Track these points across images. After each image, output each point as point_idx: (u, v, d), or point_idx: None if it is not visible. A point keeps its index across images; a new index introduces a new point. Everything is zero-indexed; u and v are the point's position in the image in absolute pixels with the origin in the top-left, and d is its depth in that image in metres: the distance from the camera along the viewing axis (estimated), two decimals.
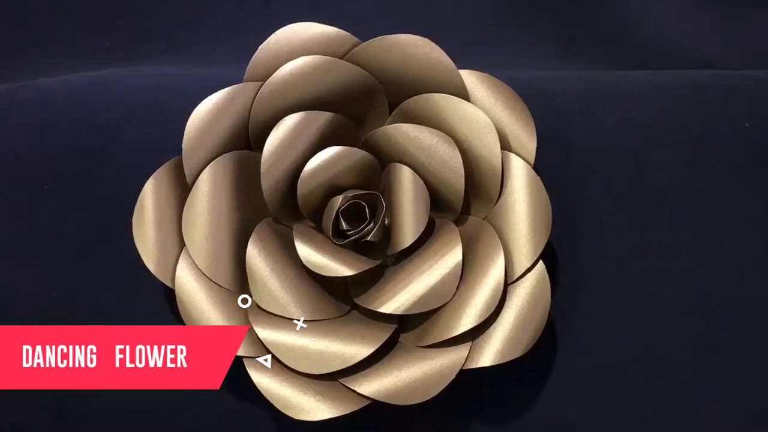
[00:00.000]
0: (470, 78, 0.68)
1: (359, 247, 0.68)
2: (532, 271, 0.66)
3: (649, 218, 0.69)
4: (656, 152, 0.71)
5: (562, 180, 0.70)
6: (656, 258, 0.68)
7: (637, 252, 0.69)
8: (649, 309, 0.68)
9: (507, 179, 0.67)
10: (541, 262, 0.66)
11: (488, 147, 0.67)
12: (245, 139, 0.68)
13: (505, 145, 0.68)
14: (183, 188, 0.67)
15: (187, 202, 0.67)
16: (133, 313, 0.69)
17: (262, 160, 0.67)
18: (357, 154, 0.67)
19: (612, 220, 0.70)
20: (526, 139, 0.68)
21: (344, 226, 0.67)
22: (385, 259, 0.68)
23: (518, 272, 0.66)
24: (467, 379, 0.64)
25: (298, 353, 0.64)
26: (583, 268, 0.69)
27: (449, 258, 0.65)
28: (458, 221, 0.68)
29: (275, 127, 0.67)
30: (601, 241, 0.69)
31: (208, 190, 0.67)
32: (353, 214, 0.67)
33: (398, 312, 0.65)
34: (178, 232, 0.67)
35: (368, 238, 0.67)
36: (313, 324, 0.66)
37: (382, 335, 0.65)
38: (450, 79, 0.68)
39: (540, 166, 0.67)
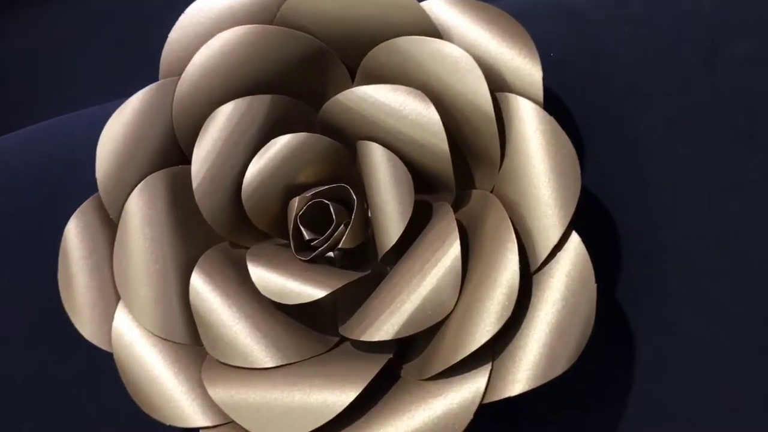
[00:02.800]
0: (442, 7, 0.40)
1: (349, 258, 0.41)
2: (564, 250, 0.36)
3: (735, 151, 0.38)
4: (732, 48, 0.39)
5: (584, 122, 0.40)
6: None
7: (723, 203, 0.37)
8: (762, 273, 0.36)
9: (510, 129, 0.38)
10: (574, 234, 0.36)
11: (473, 90, 0.37)
12: (176, 151, 0.42)
13: (501, 85, 0.38)
14: (113, 227, 0.42)
15: (115, 243, 0.41)
16: (92, 391, 0.44)
17: (193, 171, 0.41)
18: (310, 140, 0.40)
19: (669, 161, 0.38)
20: (528, 70, 0.38)
21: (306, 235, 0.40)
22: (380, 268, 0.40)
23: (543, 254, 0.36)
24: (497, 410, 0.34)
25: (266, 414, 0.37)
26: (638, 231, 0.38)
27: (445, 254, 0.37)
28: (460, 199, 0.40)
29: (203, 126, 0.41)
30: (658, 193, 0.38)
31: (139, 223, 0.41)
32: (323, 218, 0.40)
33: (385, 338, 0.37)
34: (113, 281, 0.41)
35: (340, 246, 0.39)
36: (290, 368, 0.39)
37: (370, 371, 0.36)
38: (410, 14, 0.39)
39: (556, 106, 0.37)
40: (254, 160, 0.40)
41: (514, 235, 0.35)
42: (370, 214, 0.39)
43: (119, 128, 0.41)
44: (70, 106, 0.59)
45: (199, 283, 0.39)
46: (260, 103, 0.40)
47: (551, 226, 0.35)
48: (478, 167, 0.38)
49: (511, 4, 0.43)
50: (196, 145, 0.40)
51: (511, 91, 0.38)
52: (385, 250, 0.38)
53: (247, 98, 0.40)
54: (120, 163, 0.41)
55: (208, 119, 0.40)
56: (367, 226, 0.40)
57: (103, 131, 0.41)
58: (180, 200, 0.41)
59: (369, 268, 0.40)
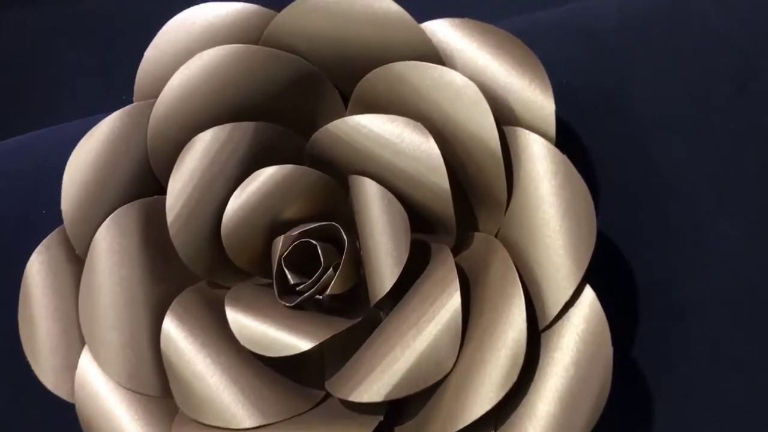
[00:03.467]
0: (445, 30, 0.35)
1: (339, 300, 0.36)
2: (576, 306, 0.31)
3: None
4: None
5: (601, 155, 0.35)
6: None
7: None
8: None
9: (519, 168, 0.33)
10: (588, 288, 0.31)
11: (477, 123, 0.33)
12: (151, 181, 0.38)
13: (509, 117, 0.34)
14: (80, 263, 0.38)
15: (81, 282, 0.37)
16: None
17: (167, 205, 0.36)
18: (297, 172, 0.36)
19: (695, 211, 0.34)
20: (539, 102, 0.34)
21: (290, 279, 0.36)
22: (372, 314, 0.36)
23: (553, 310, 0.32)
24: None
25: None
26: (653, 286, 0.34)
27: (444, 306, 0.32)
28: (462, 242, 0.35)
29: (180, 155, 0.37)
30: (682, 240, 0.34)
31: (108, 260, 0.37)
32: (310, 259, 0.36)
33: (375, 399, 0.32)
34: (78, 324, 0.37)
35: (328, 291, 0.35)
36: (270, 429, 0.34)
37: None
38: (409, 36, 0.35)
39: (568, 140, 0.33)
40: (235, 193, 0.35)
41: (521, 288, 0.31)
42: (362, 254, 0.35)
43: (88, 155, 0.37)
44: (57, 113, 0.55)
45: (171, 328, 0.35)
46: (243, 131, 0.36)
47: (563, 279, 0.31)
48: (482, 208, 0.34)
49: (518, 22, 0.38)
50: (171, 176, 0.36)
51: (520, 124, 0.33)
52: (378, 298, 0.34)
53: (229, 125, 0.36)
54: (88, 194, 0.37)
55: (185, 148, 0.36)
56: (359, 268, 0.36)
57: (70, 158, 0.37)
58: (154, 235, 0.37)
59: (360, 312, 0.36)
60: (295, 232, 0.35)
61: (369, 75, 0.35)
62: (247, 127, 0.36)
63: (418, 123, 0.34)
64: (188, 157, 0.36)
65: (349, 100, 0.37)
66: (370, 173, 0.35)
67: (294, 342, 0.34)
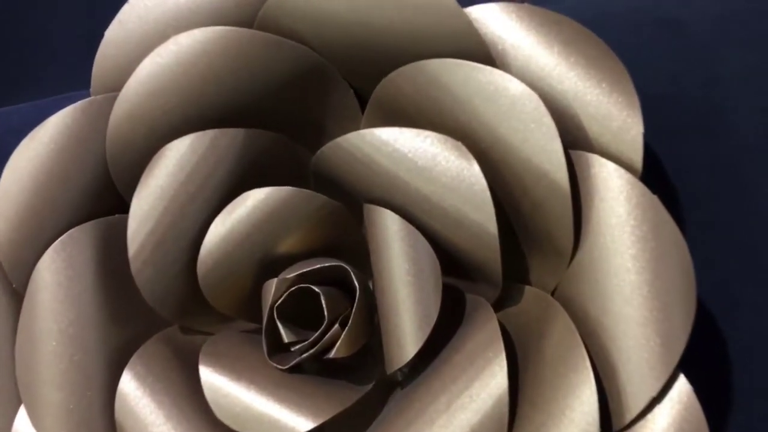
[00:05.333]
0: (496, 18, 0.26)
1: (343, 359, 0.27)
2: (667, 401, 0.22)
3: None
4: None
5: (688, 188, 0.26)
6: None
7: None
8: None
9: (591, 208, 0.24)
10: (683, 380, 0.22)
11: (539, 147, 0.24)
12: (110, 195, 0.28)
13: (579, 140, 0.25)
14: (18, 299, 0.28)
15: (19, 325, 0.28)
16: None
17: (130, 232, 0.27)
18: (298, 197, 0.27)
19: None
20: (621, 121, 0.24)
21: (285, 336, 0.27)
22: (391, 378, 0.27)
23: (633, 407, 0.23)
24: None
25: None
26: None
27: (485, 388, 0.23)
28: (506, 297, 0.26)
29: (148, 167, 0.27)
30: None
31: (53, 297, 0.28)
32: (309, 308, 0.27)
33: None
34: (13, 379, 0.28)
35: (332, 355, 0.26)
36: None
37: None
38: (449, 25, 0.25)
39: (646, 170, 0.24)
40: (217, 220, 0.26)
41: (591, 376, 0.22)
42: (377, 302, 0.26)
43: (30, 162, 0.28)
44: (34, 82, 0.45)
45: (130, 389, 0.26)
46: (230, 139, 0.26)
47: (648, 366, 0.22)
48: (537, 257, 0.25)
49: (581, 5, 0.29)
50: (135, 194, 0.27)
51: (594, 150, 0.24)
52: (396, 367, 0.25)
53: (211, 132, 0.26)
54: (29, 211, 0.28)
55: (154, 158, 0.27)
56: (372, 319, 0.27)
57: (7, 164, 0.28)
58: (112, 265, 0.28)
59: (370, 375, 0.27)
60: (292, 274, 0.26)
61: (394, 74, 0.26)
62: (234, 134, 0.26)
63: (458, 142, 0.24)
64: (158, 170, 0.27)
65: (367, 104, 0.27)
66: (392, 203, 0.26)
67: (287, 421, 0.25)
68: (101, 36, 0.29)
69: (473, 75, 0.25)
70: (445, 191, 0.25)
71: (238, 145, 0.27)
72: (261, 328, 0.28)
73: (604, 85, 0.25)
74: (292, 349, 0.26)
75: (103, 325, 0.28)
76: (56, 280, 0.28)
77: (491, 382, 0.23)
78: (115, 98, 0.28)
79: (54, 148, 0.28)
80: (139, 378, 0.27)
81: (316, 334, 0.26)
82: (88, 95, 0.29)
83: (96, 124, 0.28)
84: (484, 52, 0.25)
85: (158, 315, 0.28)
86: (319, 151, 0.27)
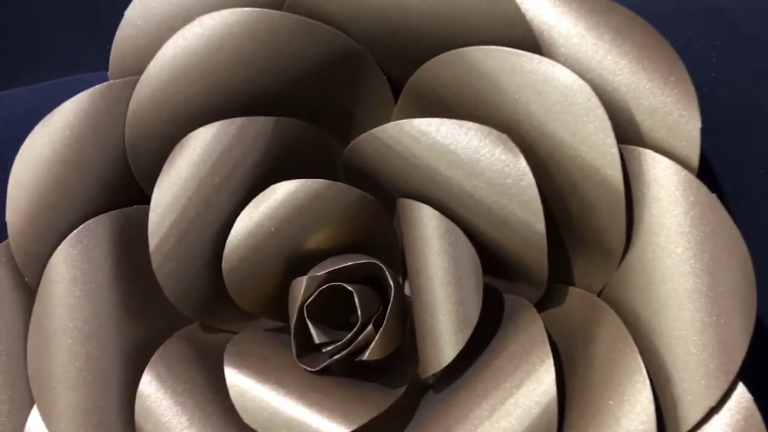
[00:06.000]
0: (543, 3, 0.24)
1: (372, 366, 0.26)
2: (725, 411, 0.21)
3: None
4: None
5: (742, 191, 0.25)
6: None
7: None
8: None
9: (643, 206, 0.23)
10: (742, 388, 0.21)
11: (591, 143, 0.22)
12: (129, 185, 0.27)
13: (631, 134, 0.23)
14: (31, 293, 0.27)
15: (31, 321, 0.26)
16: None
17: (151, 225, 0.25)
18: (331, 190, 0.25)
19: None
20: (676, 114, 0.23)
21: (316, 337, 0.25)
22: (420, 381, 0.25)
23: (689, 417, 0.21)
24: None
25: None
26: None
27: (530, 391, 0.22)
28: (548, 298, 0.25)
29: (170, 157, 0.25)
30: None
31: (67, 293, 0.26)
32: (344, 304, 0.25)
33: None
34: (26, 378, 0.26)
35: (366, 357, 0.24)
36: None
37: None
38: (493, 10, 0.24)
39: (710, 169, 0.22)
40: (244, 213, 0.25)
41: (647, 382, 0.20)
42: (412, 302, 0.24)
43: (44, 149, 0.26)
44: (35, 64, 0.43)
45: (150, 391, 0.25)
46: (259, 128, 0.25)
47: (705, 374, 0.21)
48: (583, 256, 0.24)
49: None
50: (157, 185, 0.25)
51: (646, 145, 0.23)
52: (432, 371, 0.23)
53: (239, 120, 0.25)
54: (43, 202, 0.26)
55: (177, 146, 0.25)
56: (405, 319, 0.25)
57: (20, 151, 0.26)
58: (131, 259, 0.26)
59: (401, 375, 0.25)
60: (323, 271, 0.24)
61: (432, 61, 0.25)
62: (264, 123, 0.25)
63: (504, 135, 0.23)
64: (181, 159, 0.25)
65: (401, 93, 0.26)
66: (430, 199, 0.24)
67: (319, 426, 0.23)
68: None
69: (520, 64, 0.23)
70: (490, 187, 0.23)
71: (268, 135, 0.25)
72: (285, 327, 0.26)
73: (658, 77, 0.23)
74: (324, 350, 0.25)
75: (120, 321, 0.26)
76: (71, 274, 0.26)
77: (538, 389, 0.22)
78: (135, 82, 0.26)
79: (70, 134, 0.26)
80: (160, 379, 0.25)
81: (350, 335, 0.24)
82: (102, 78, 0.27)
83: (115, 110, 0.26)
84: (530, 40, 0.24)
85: (178, 312, 0.26)
86: (353, 142, 0.25)
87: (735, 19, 0.27)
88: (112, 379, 0.26)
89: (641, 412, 0.21)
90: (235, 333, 0.27)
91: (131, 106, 0.26)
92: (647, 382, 0.21)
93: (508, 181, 0.23)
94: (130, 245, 0.26)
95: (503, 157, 0.23)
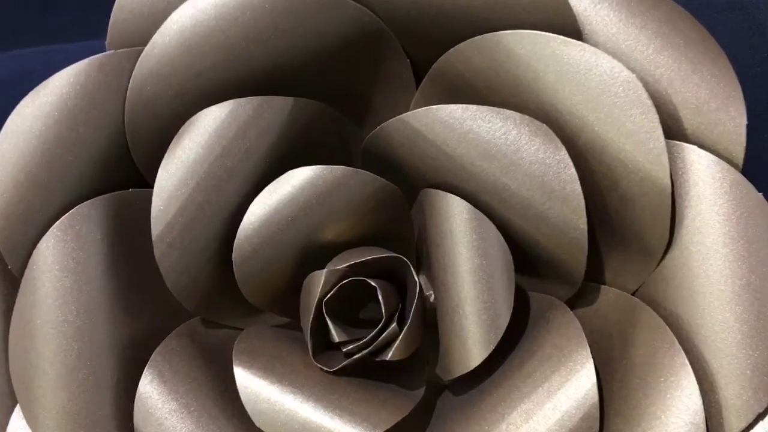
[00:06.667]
0: None
1: (389, 366, 0.24)
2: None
3: None
4: None
5: None
6: None
7: None
8: None
9: (685, 204, 0.22)
10: None
11: (638, 139, 0.21)
12: (126, 167, 0.24)
13: (673, 129, 0.22)
14: (14, 283, 0.24)
15: (14, 314, 0.23)
16: None
17: (154, 210, 0.23)
18: (354, 178, 0.23)
19: None
20: (721, 111, 0.22)
21: (335, 335, 0.23)
22: (436, 381, 0.24)
23: (739, 422, 0.20)
24: None
25: None
26: None
27: (570, 395, 0.21)
28: (578, 297, 0.23)
29: (177, 136, 0.23)
30: None
31: (55, 284, 0.23)
32: (357, 299, 0.23)
33: None
34: (8, 377, 0.24)
35: (389, 357, 0.22)
36: None
37: None
38: None
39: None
40: (259, 200, 0.23)
41: (694, 382, 0.19)
42: (435, 300, 0.23)
43: (33, 125, 0.23)
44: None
45: (152, 392, 0.22)
46: (277, 108, 0.23)
47: (754, 379, 0.20)
48: (618, 255, 0.22)
49: None
50: (162, 167, 0.23)
51: (690, 140, 0.22)
52: (458, 374, 0.22)
53: (256, 99, 0.23)
54: (31, 183, 0.23)
55: (186, 125, 0.23)
56: (425, 319, 0.24)
57: (5, 125, 0.23)
58: (127, 246, 0.24)
59: (418, 378, 0.23)
60: (343, 264, 0.22)
61: (463, 44, 0.23)
62: (282, 103, 0.23)
63: (544, 125, 0.21)
64: (189, 140, 0.23)
65: (425, 77, 0.24)
66: (461, 190, 0.23)
67: (341, 431, 0.21)
68: None
69: (562, 51, 0.22)
70: (528, 180, 0.22)
71: (285, 117, 0.23)
72: (292, 323, 0.24)
73: (702, 70, 0.22)
74: (344, 349, 0.23)
75: (114, 315, 0.24)
76: (61, 262, 0.23)
77: (578, 393, 0.21)
78: (138, 54, 0.23)
79: (63, 108, 0.23)
80: (162, 378, 0.23)
81: (372, 333, 0.23)
82: (93, 48, 0.25)
83: (114, 83, 0.24)
84: (572, 26, 0.22)
85: (177, 306, 0.24)
86: (379, 127, 0.23)
87: (751, 12, 0.26)
88: (105, 377, 0.23)
89: (689, 418, 0.20)
90: (238, 329, 0.25)
91: (133, 79, 0.23)
92: (696, 386, 0.20)
93: (549, 174, 0.22)
94: (126, 232, 0.24)
95: (543, 148, 0.22)
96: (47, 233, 0.23)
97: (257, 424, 0.22)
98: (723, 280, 0.21)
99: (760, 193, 0.21)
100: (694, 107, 0.22)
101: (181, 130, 0.23)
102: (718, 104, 0.22)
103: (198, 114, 0.23)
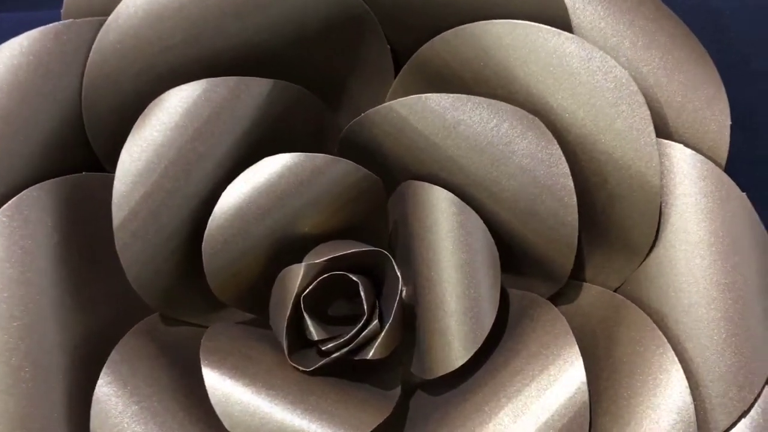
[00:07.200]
0: None
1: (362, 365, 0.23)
2: (753, 413, 0.20)
3: None
4: None
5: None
6: None
7: None
8: None
9: (671, 202, 0.22)
10: None
11: (631, 137, 0.21)
12: (81, 149, 0.21)
13: (660, 129, 0.22)
14: None
15: None
16: None
17: (114, 197, 0.21)
18: (335, 168, 0.21)
19: None
20: (704, 110, 0.22)
21: (314, 333, 0.21)
22: (406, 381, 0.23)
23: (724, 420, 0.20)
24: None
25: None
26: None
27: (561, 394, 0.20)
28: (560, 295, 0.23)
29: (141, 117, 0.21)
30: None
31: (1, 277, 0.20)
32: (328, 295, 0.22)
33: None
34: None
35: (370, 356, 0.21)
36: None
37: None
38: None
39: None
40: (233, 187, 0.21)
41: (681, 374, 0.19)
42: (416, 296, 0.22)
43: None
44: None
45: (109, 395, 0.20)
46: (255, 89, 0.21)
47: (740, 377, 0.20)
48: (602, 252, 0.22)
49: None
50: (125, 149, 0.21)
51: (674, 138, 0.21)
52: (441, 373, 0.21)
53: (233, 79, 0.21)
54: None
55: (152, 105, 0.21)
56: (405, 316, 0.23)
57: None
58: (79, 234, 0.21)
59: (392, 377, 0.22)
60: (322, 258, 0.21)
61: (450, 32, 0.22)
62: (260, 85, 0.21)
63: (535, 118, 0.21)
64: (157, 120, 0.21)
65: (405, 66, 0.23)
66: (447, 183, 0.22)
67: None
68: None
69: (555, 44, 0.21)
70: (520, 174, 0.21)
71: (263, 99, 0.22)
72: (257, 320, 0.23)
73: (687, 70, 0.22)
74: (323, 348, 0.21)
75: (65, 311, 0.22)
76: (8, 251, 0.21)
77: (568, 392, 0.20)
78: (100, 24, 0.21)
79: (12, 81, 0.21)
80: (122, 380, 0.21)
81: (353, 330, 0.21)
82: (48, 17, 0.22)
83: (70, 56, 0.21)
84: (563, 19, 0.22)
85: (135, 301, 0.22)
86: (364, 114, 0.22)
87: (724, 21, 0.27)
88: (56, 379, 0.21)
89: (679, 415, 0.20)
90: (198, 326, 0.23)
91: (94, 52, 0.21)
92: (685, 383, 0.20)
93: (541, 168, 0.21)
94: (79, 219, 0.22)
95: (536, 142, 0.21)
96: None
97: (229, 428, 0.20)
98: (707, 278, 0.21)
99: (743, 192, 0.21)
100: (679, 105, 0.22)
101: (147, 109, 0.21)
102: (702, 104, 0.22)
103: (167, 93, 0.21)
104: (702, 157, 0.21)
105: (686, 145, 0.22)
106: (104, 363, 0.21)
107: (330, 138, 0.23)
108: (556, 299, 0.23)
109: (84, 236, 0.22)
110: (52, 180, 0.21)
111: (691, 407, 0.20)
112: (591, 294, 0.23)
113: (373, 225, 0.23)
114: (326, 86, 0.23)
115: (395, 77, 0.24)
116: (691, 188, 0.22)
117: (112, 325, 0.22)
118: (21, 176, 0.21)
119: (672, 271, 0.21)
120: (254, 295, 0.23)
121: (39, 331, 0.21)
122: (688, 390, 0.20)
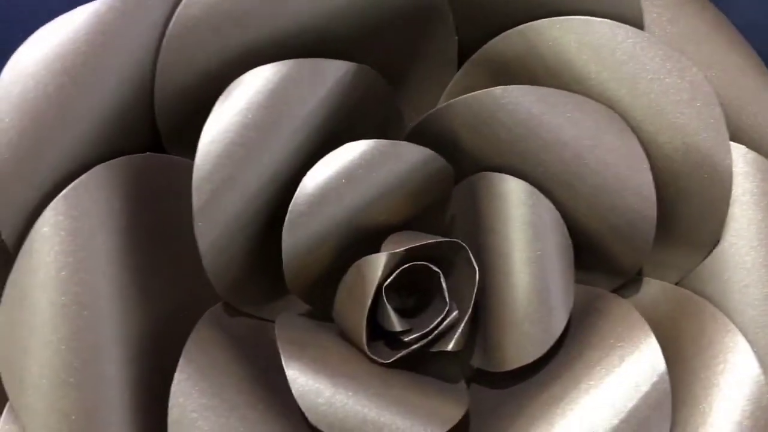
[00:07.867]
0: None
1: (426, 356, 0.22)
2: None
3: None
4: None
5: None
6: None
7: None
8: None
9: (732, 199, 0.22)
10: None
11: (707, 134, 0.21)
12: (149, 127, 0.20)
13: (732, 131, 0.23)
14: (8, 259, 0.19)
15: (4, 294, 0.18)
16: None
17: (196, 178, 0.19)
18: (412, 156, 0.21)
19: None
20: (766, 114, 0.23)
21: (396, 323, 0.21)
22: (466, 372, 0.22)
23: None
24: None
25: None
26: None
27: (639, 378, 0.20)
28: (621, 289, 0.23)
29: (221, 98, 0.19)
30: None
31: (59, 261, 0.18)
32: (409, 291, 0.21)
33: None
34: None
35: (449, 348, 0.21)
36: None
37: None
38: None
39: None
40: (314, 170, 0.20)
41: (756, 365, 0.20)
42: (488, 287, 0.22)
43: (40, 66, 0.19)
44: None
45: (190, 390, 0.19)
46: (336, 72, 0.20)
47: None
48: (664, 247, 0.23)
49: None
50: (206, 129, 0.19)
51: (734, 138, 0.22)
52: (512, 367, 0.21)
53: (316, 61, 0.20)
54: (32, 136, 0.19)
55: (234, 83, 0.20)
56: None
57: (6, 67, 0.19)
58: (144, 218, 0.20)
59: (454, 368, 0.22)
60: (401, 248, 0.21)
61: (525, 26, 0.22)
62: (344, 68, 0.20)
63: (617, 115, 0.21)
64: (239, 100, 0.20)
65: (470, 58, 0.23)
66: (525, 176, 0.22)
67: (406, 429, 0.19)
68: None
69: (634, 43, 0.21)
70: (603, 170, 0.21)
71: (346, 83, 0.21)
72: (312, 312, 0.22)
73: (745, 75, 0.23)
74: (405, 339, 0.21)
75: (127, 301, 0.20)
76: (66, 237, 0.19)
77: (650, 381, 0.21)
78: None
79: (77, 51, 0.19)
80: (200, 372, 0.19)
81: (436, 321, 0.21)
82: None
83: (141, 28, 0.20)
84: (638, 19, 0.22)
85: (198, 289, 0.21)
86: (446, 104, 0.22)
87: None
88: (116, 377, 0.19)
89: (749, 389, 0.20)
90: (258, 318, 0.22)
91: (172, 25, 0.20)
92: (755, 362, 0.20)
93: (622, 164, 0.21)
94: (145, 202, 0.20)
95: (619, 136, 0.21)
96: (52, 202, 0.19)
97: (313, 422, 0.19)
98: (765, 273, 0.22)
99: None
100: (738, 108, 0.23)
101: (228, 89, 0.20)
102: (760, 108, 0.23)
103: (251, 72, 0.20)
104: (762, 158, 0.22)
105: (747, 146, 0.23)
106: (168, 354, 0.20)
107: (393, 126, 0.23)
108: (618, 293, 0.23)
109: (149, 222, 0.20)
110: (120, 158, 0.20)
111: (763, 383, 0.20)
112: (653, 288, 0.23)
113: (432, 216, 0.23)
114: (389, 74, 0.23)
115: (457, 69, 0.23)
116: (752, 186, 0.22)
117: (170, 316, 0.21)
118: (81, 153, 0.19)
119: (728, 267, 0.22)
120: (319, 286, 0.22)
121: (97, 322, 0.19)
122: (762, 377, 0.20)
